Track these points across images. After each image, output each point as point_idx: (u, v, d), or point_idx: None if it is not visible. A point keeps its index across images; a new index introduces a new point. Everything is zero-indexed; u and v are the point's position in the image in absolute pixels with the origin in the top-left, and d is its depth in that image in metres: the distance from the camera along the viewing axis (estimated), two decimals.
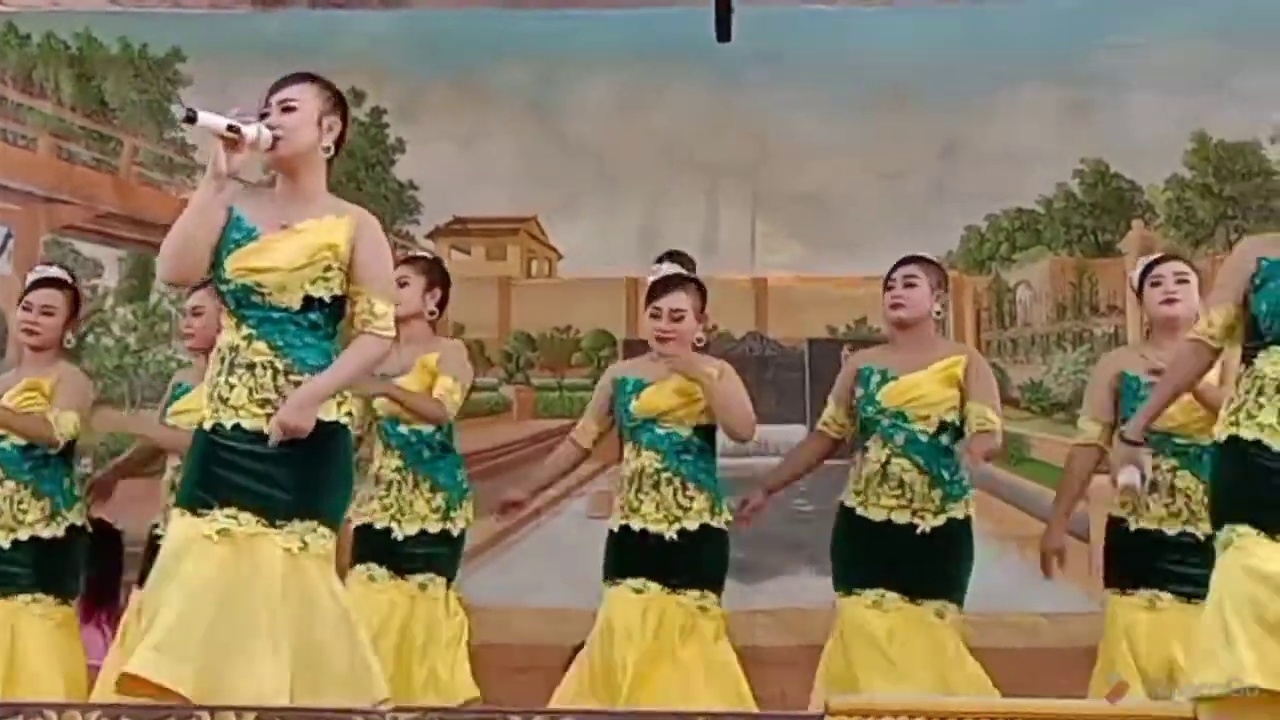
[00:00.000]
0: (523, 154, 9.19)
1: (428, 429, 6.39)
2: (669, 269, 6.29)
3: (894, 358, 6.21)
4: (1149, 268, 6.23)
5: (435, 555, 6.39)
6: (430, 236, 9.32)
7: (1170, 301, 6.09)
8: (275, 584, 4.65)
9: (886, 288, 6.26)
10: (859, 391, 6.23)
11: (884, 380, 6.16)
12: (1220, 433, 4.95)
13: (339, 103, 5.02)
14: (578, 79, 9.15)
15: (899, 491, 6.07)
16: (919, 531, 6.04)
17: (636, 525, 6.14)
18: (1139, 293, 6.25)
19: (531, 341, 9.31)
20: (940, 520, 6.06)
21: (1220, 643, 4.60)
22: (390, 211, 9.06)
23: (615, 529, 6.19)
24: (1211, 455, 5.04)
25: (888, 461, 6.08)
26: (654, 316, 6.20)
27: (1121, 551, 6.07)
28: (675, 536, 6.11)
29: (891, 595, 6.00)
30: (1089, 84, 8.83)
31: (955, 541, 6.08)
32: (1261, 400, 4.83)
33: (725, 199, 9.28)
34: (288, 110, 4.91)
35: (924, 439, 6.09)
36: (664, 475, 6.12)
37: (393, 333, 4.95)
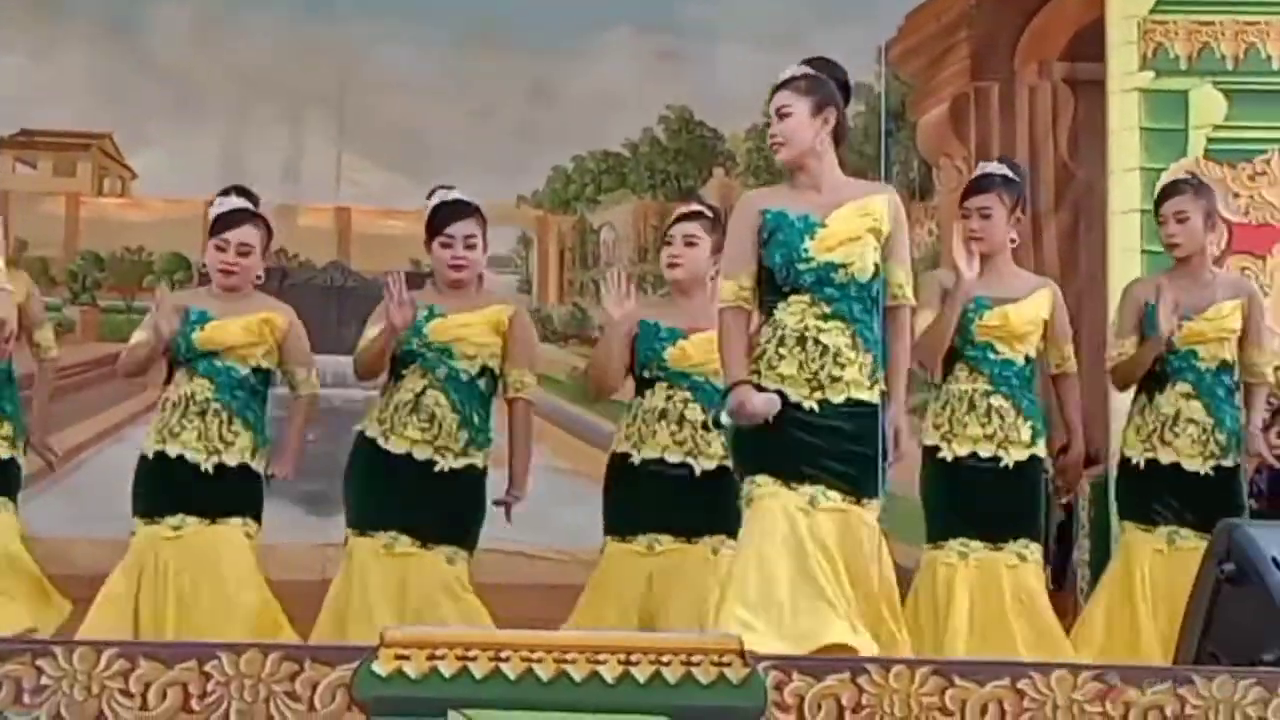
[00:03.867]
0: (100, 72, 8.89)
1: None
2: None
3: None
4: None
5: None
6: None
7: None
8: None
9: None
10: None
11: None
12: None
13: None
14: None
15: None
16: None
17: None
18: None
19: (100, 261, 9.00)
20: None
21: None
22: None
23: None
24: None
25: None
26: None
27: None
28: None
29: None
30: (677, 33, 9.00)
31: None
32: (782, 351, 4.98)
33: (310, 129, 9.14)
34: None
35: None
36: None
37: None
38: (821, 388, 4.94)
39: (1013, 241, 6.00)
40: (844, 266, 4.99)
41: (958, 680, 4.10)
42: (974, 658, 5.23)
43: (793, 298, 4.99)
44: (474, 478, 5.86)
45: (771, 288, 5.03)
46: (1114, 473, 6.33)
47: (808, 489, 4.87)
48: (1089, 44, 8.09)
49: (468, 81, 8.87)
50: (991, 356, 5.87)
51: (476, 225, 5.91)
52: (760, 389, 4.91)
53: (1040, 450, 5.91)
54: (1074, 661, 5.04)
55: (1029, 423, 5.87)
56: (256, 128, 9.01)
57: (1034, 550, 5.85)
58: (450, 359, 5.83)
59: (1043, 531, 5.99)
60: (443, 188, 6.02)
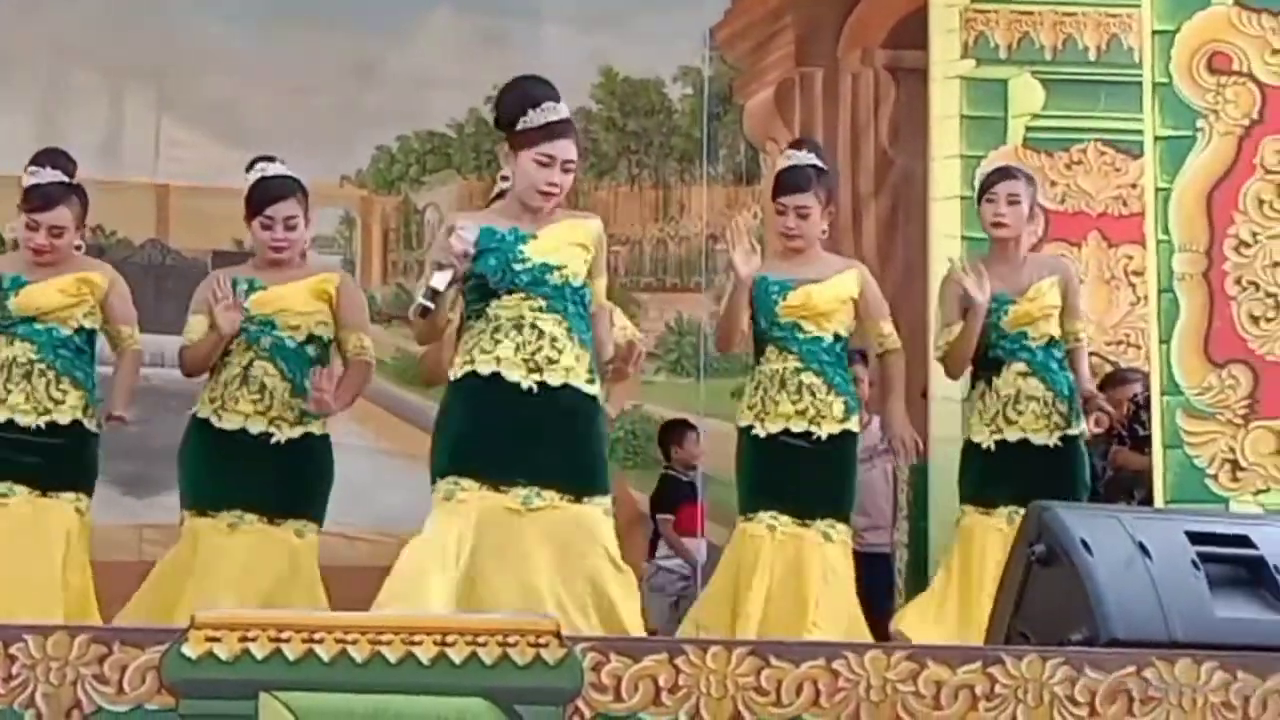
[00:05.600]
0: None
1: None
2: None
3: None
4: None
5: None
6: None
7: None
8: None
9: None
10: None
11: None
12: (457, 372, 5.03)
13: None
14: None
15: None
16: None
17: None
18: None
19: None
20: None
21: None
22: None
23: None
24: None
25: None
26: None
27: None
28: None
29: None
30: (502, 14, 8.97)
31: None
32: (498, 337, 4.95)
33: (129, 102, 8.98)
34: None
35: None
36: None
37: None
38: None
39: (823, 234, 6.07)
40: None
41: (774, 660, 4.12)
42: (790, 638, 5.28)
43: (507, 297, 4.98)
44: (313, 445, 5.79)
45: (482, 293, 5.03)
46: (951, 458, 6.45)
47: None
48: (911, 32, 8.19)
49: (288, 58, 8.76)
50: (799, 335, 5.93)
51: (297, 205, 5.81)
52: None
53: (853, 425, 5.99)
54: (887, 643, 5.11)
55: (841, 398, 5.94)
56: (75, 100, 8.83)
57: (840, 530, 5.92)
58: (274, 330, 5.74)
59: (851, 511, 6.06)
60: (263, 159, 5.91)
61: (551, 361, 4.93)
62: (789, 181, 6.00)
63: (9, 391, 5.71)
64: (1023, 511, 5.89)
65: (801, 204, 5.97)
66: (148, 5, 8.70)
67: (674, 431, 8.77)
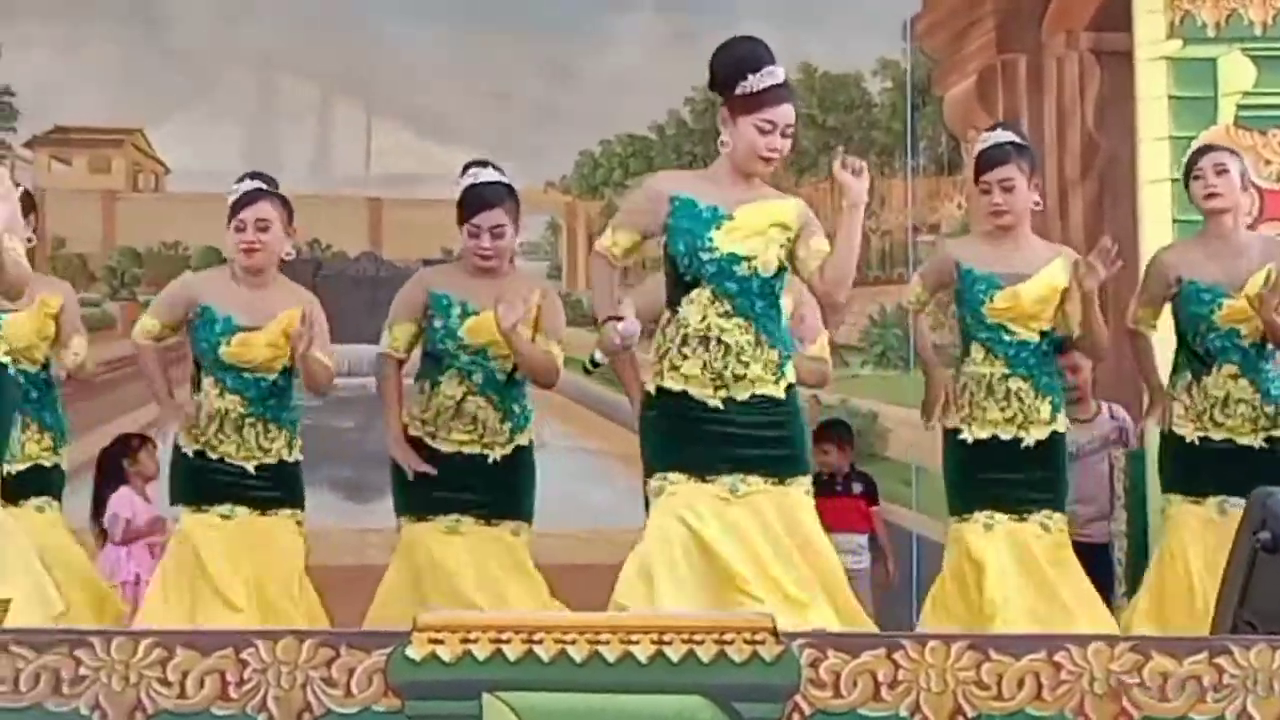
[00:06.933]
0: (124, 62, 8.92)
1: (33, 369, 6.17)
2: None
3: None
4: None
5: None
6: (29, 145, 8.96)
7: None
8: None
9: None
10: None
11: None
12: (649, 383, 5.08)
13: None
14: None
15: None
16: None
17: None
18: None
19: (138, 257, 9.05)
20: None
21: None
22: None
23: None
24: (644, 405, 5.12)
25: None
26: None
27: None
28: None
29: None
30: (698, 13, 8.97)
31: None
32: (685, 351, 4.98)
33: (336, 115, 9.15)
34: None
35: None
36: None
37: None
38: None
39: (1036, 205, 5.96)
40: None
41: (994, 654, 4.10)
42: (1010, 632, 5.22)
43: (695, 291, 5.01)
44: (523, 456, 5.88)
45: (675, 280, 5.06)
46: (1156, 446, 6.32)
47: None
48: (1115, 13, 8.04)
49: (490, 65, 8.86)
50: (1006, 338, 5.85)
51: (504, 214, 5.81)
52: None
53: (1060, 425, 5.90)
54: (1110, 634, 5.03)
55: (1048, 399, 5.85)
56: (284, 113, 9.03)
57: (1057, 519, 5.83)
58: (486, 361, 5.80)
59: (1065, 502, 5.97)
60: (476, 164, 5.94)
61: (739, 377, 4.98)
62: (989, 158, 5.91)
63: (220, 442, 5.84)
64: (1233, 499, 5.84)
65: (1005, 177, 5.85)
66: (351, 17, 8.85)
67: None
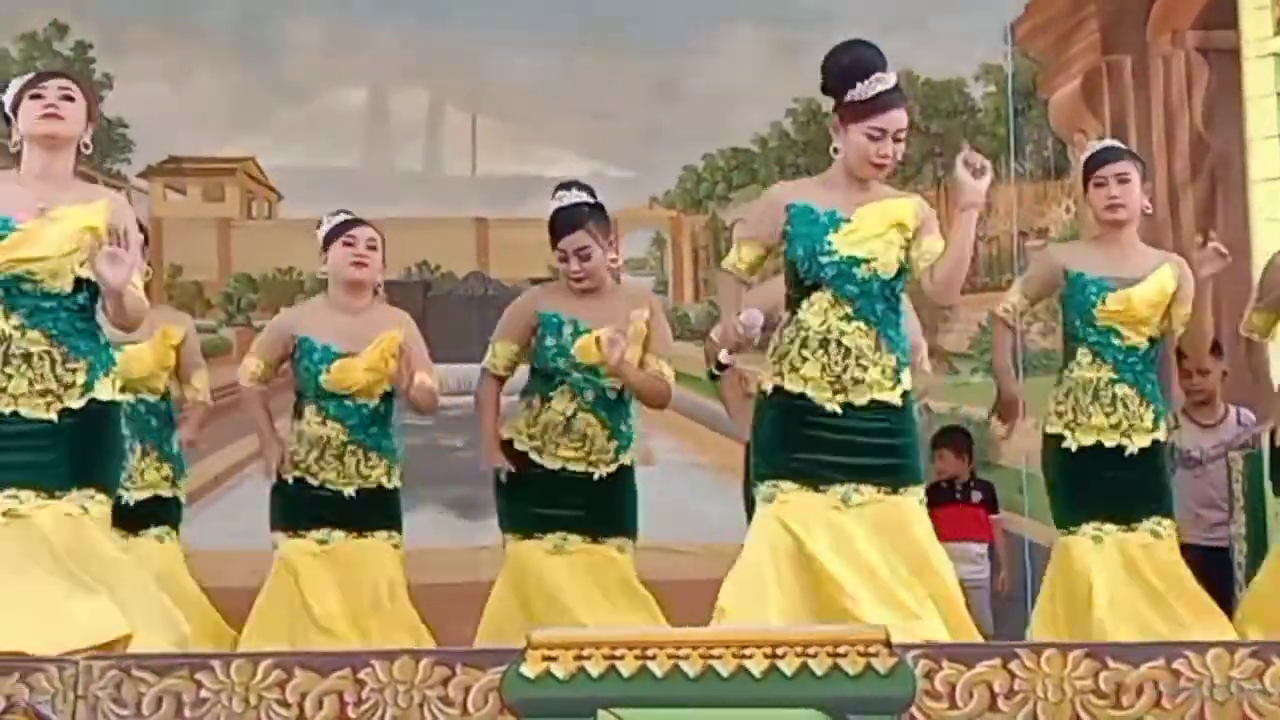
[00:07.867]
0: (233, 92, 9.05)
1: (154, 398, 6.29)
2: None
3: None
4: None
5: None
6: (143, 175, 9.11)
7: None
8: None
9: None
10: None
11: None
12: (765, 383, 5.05)
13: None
14: (284, 16, 9.02)
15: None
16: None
17: None
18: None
19: (253, 283, 9.17)
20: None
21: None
22: (99, 149, 8.85)
23: None
24: (758, 407, 5.09)
25: None
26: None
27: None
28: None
29: None
30: (798, 24, 8.97)
31: None
32: (805, 354, 4.98)
33: (444, 137, 9.23)
34: (68, 99, 4.79)
35: None
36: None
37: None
38: None
39: (1146, 209, 5.90)
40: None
41: (1111, 663, 4.06)
42: (1127, 640, 5.17)
43: (815, 294, 4.99)
44: (625, 474, 5.89)
45: (793, 282, 5.06)
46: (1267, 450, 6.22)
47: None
48: (1221, 11, 7.97)
49: (592, 84, 8.90)
50: (1114, 343, 5.79)
51: (587, 235, 5.79)
52: None
53: (1161, 434, 5.82)
54: (1229, 639, 4.97)
55: (1152, 407, 5.78)
56: (393, 134, 9.12)
57: (1166, 525, 5.76)
58: (598, 379, 5.82)
59: (1173, 507, 5.89)
60: (563, 186, 5.97)
61: (857, 381, 4.96)
62: (1103, 156, 5.88)
63: (321, 469, 5.89)
64: None
65: (1121, 171, 5.81)
66: (451, 43, 8.92)
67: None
